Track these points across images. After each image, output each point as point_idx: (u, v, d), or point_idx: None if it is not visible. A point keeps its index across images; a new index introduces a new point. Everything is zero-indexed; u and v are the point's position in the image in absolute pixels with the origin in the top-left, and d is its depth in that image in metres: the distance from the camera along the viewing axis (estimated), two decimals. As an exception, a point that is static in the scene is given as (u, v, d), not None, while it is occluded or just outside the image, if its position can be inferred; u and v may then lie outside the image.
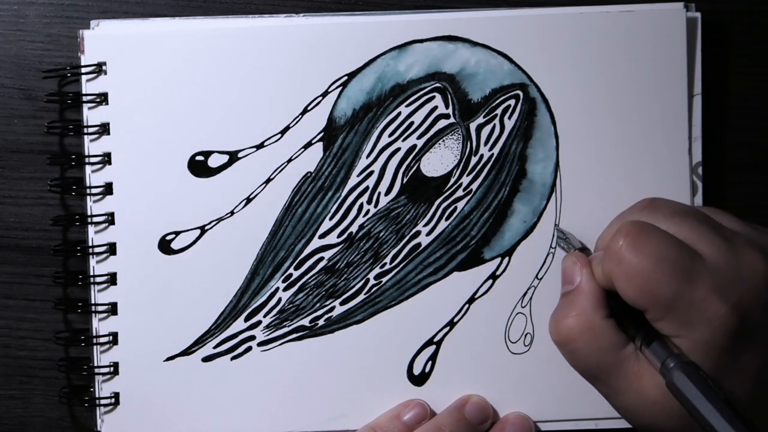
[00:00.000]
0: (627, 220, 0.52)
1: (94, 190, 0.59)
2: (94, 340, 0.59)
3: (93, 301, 0.59)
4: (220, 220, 0.59)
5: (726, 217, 0.53)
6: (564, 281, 0.54)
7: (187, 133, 0.58)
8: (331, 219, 0.59)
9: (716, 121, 0.61)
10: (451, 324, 0.59)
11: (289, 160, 0.59)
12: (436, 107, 0.59)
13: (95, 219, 0.59)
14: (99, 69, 0.58)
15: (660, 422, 0.51)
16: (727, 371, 0.49)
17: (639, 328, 0.51)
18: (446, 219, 0.59)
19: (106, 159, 0.58)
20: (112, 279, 0.59)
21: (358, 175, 0.59)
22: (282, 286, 0.59)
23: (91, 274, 0.59)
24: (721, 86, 0.61)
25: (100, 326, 0.59)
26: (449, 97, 0.59)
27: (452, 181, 0.59)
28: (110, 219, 0.58)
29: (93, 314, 0.59)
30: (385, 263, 0.59)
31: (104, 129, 0.58)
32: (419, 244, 0.59)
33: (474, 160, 0.59)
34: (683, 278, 0.48)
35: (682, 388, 0.47)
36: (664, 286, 0.49)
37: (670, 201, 0.54)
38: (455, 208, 0.59)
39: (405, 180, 0.59)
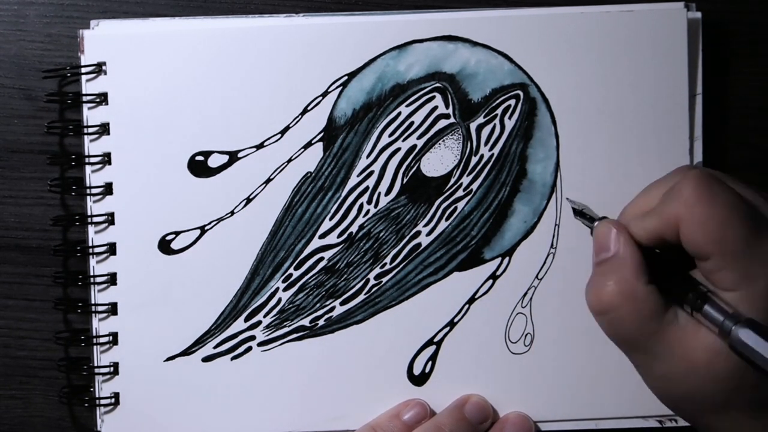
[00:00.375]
0: (690, 170, 0.51)
1: (94, 190, 0.59)
2: (94, 340, 0.59)
3: (93, 301, 0.59)
4: (220, 220, 0.59)
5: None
6: (598, 249, 0.52)
7: (187, 133, 0.58)
8: (331, 219, 0.59)
9: (717, 121, 0.61)
10: (452, 324, 0.59)
11: (289, 160, 0.59)
12: (436, 107, 0.59)
13: (95, 219, 0.59)
14: (99, 69, 0.58)
15: (705, 388, 0.50)
16: None
17: (687, 290, 0.50)
18: (446, 219, 0.59)
19: (106, 159, 0.58)
20: (112, 279, 0.59)
21: (358, 175, 0.59)
22: (282, 286, 0.59)
23: (91, 274, 0.59)
24: (721, 86, 0.61)
25: (100, 326, 0.59)
26: (449, 97, 0.59)
27: (452, 181, 0.59)
28: (110, 219, 0.58)
29: (93, 314, 0.59)
30: (386, 263, 0.59)
31: (104, 129, 0.58)
32: (419, 244, 0.59)
33: (474, 160, 0.59)
34: (753, 230, 0.48)
35: (752, 345, 0.46)
36: (735, 232, 0.48)
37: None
38: (455, 208, 0.59)
39: (405, 180, 0.59)
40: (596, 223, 0.53)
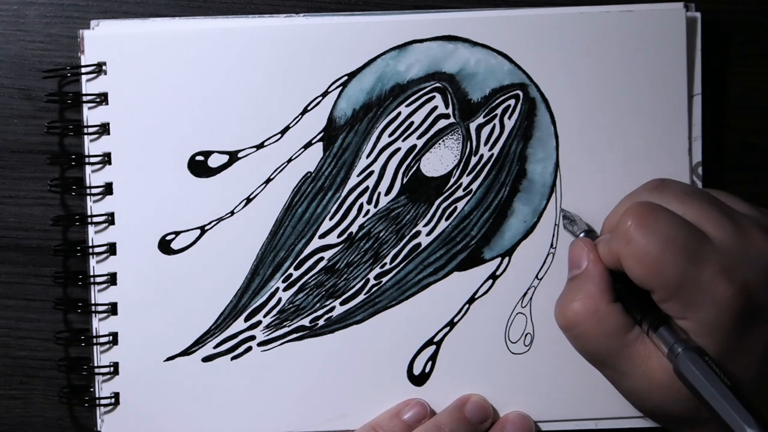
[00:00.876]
0: (636, 201, 0.52)
1: (94, 190, 0.59)
2: (94, 340, 0.59)
3: (93, 301, 0.59)
4: (220, 220, 0.59)
5: (734, 200, 0.53)
6: (571, 266, 0.54)
7: (187, 133, 0.58)
8: (331, 219, 0.59)
9: (716, 121, 0.61)
10: (451, 324, 0.59)
11: (289, 160, 0.59)
12: (436, 107, 0.59)
13: (95, 219, 0.59)
14: (99, 69, 0.58)
15: (667, 405, 0.51)
16: (733, 353, 0.49)
17: (646, 311, 0.51)
18: (446, 219, 0.59)
19: (106, 159, 0.58)
20: (112, 279, 0.59)
21: (358, 175, 0.59)
22: (282, 286, 0.59)
23: (91, 274, 0.59)
24: (720, 86, 0.61)
25: (100, 326, 0.59)
26: (449, 97, 0.59)
27: (452, 181, 0.59)
28: (110, 219, 0.58)
29: (93, 314, 0.59)
30: (385, 263, 0.59)
31: (104, 129, 0.58)
32: (419, 244, 0.59)
33: (474, 160, 0.59)
34: (690, 259, 0.49)
35: (688, 375, 0.48)
36: (671, 266, 0.49)
37: (678, 182, 0.54)
38: (455, 208, 0.59)
39: (405, 180, 0.59)
40: (572, 240, 0.55)
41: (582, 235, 0.56)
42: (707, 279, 0.48)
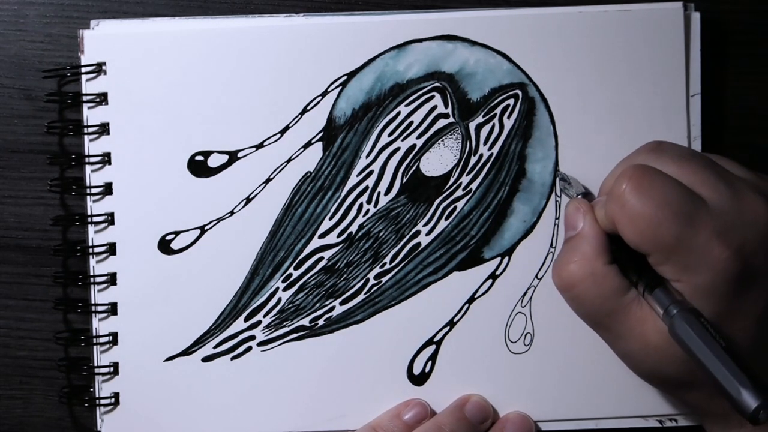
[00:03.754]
0: (632, 164, 0.52)
1: (94, 190, 0.59)
2: (94, 340, 0.59)
3: (93, 301, 0.59)
4: (219, 220, 0.59)
5: (731, 164, 0.53)
6: (567, 227, 0.54)
7: (186, 133, 0.58)
8: (330, 219, 0.59)
9: (715, 121, 0.61)
10: (451, 324, 0.59)
11: (289, 160, 0.59)
12: (435, 107, 0.59)
13: (95, 219, 0.59)
14: (99, 69, 0.58)
15: (663, 367, 0.51)
16: (728, 316, 0.49)
17: (642, 273, 0.51)
18: (446, 218, 0.59)
19: (106, 159, 0.58)
20: (112, 279, 0.59)
21: (357, 175, 0.59)
22: (282, 286, 0.59)
23: (91, 274, 0.59)
24: (719, 86, 0.61)
25: (100, 326, 0.59)
26: (448, 96, 0.59)
27: (452, 180, 0.59)
28: (110, 219, 0.59)
29: (93, 314, 0.59)
30: (385, 263, 0.59)
31: (104, 129, 0.58)
32: (419, 244, 0.59)
33: (473, 159, 0.59)
34: (686, 222, 0.48)
35: (683, 336, 0.48)
36: (666, 229, 0.49)
37: (675, 145, 0.54)
38: (455, 207, 0.59)
39: (404, 180, 0.59)
40: (567, 201, 0.55)
41: (578, 196, 0.56)
42: (703, 242, 0.48)
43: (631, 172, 0.50)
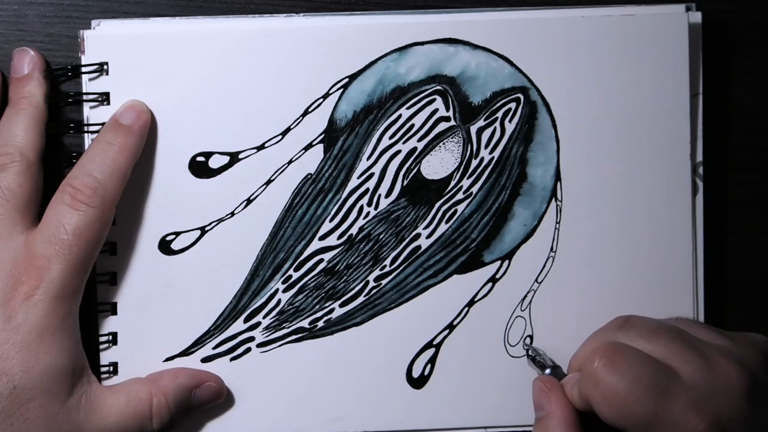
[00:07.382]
0: (602, 341, 0.52)
1: (94, 191, 0.58)
2: (94, 340, 0.59)
3: (93, 301, 0.59)
4: (220, 221, 0.59)
5: (702, 329, 0.53)
6: (535, 407, 0.54)
7: (187, 133, 0.58)
8: (331, 221, 0.59)
9: (717, 121, 0.61)
10: (451, 327, 0.59)
11: (290, 162, 0.58)
12: (436, 110, 0.59)
13: (95, 219, 0.58)
14: (101, 69, 0.58)
15: None
16: None
17: None
18: (446, 222, 0.59)
19: (107, 159, 0.58)
20: (112, 279, 0.59)
21: (358, 177, 0.59)
22: (282, 287, 0.59)
23: (91, 273, 0.59)
24: (722, 86, 0.61)
25: (100, 326, 0.59)
26: (450, 99, 0.59)
27: (452, 183, 0.59)
28: (110, 219, 0.59)
29: (93, 314, 0.59)
30: (385, 265, 0.59)
31: (104, 129, 0.58)
32: (419, 247, 0.59)
33: (474, 163, 0.59)
34: (660, 397, 0.49)
35: None
36: (641, 405, 0.49)
37: (643, 318, 0.54)
38: (455, 210, 0.59)
39: (405, 182, 0.59)
40: (533, 380, 0.55)
41: (547, 371, 0.56)
42: (678, 415, 0.49)
43: (603, 350, 0.51)
